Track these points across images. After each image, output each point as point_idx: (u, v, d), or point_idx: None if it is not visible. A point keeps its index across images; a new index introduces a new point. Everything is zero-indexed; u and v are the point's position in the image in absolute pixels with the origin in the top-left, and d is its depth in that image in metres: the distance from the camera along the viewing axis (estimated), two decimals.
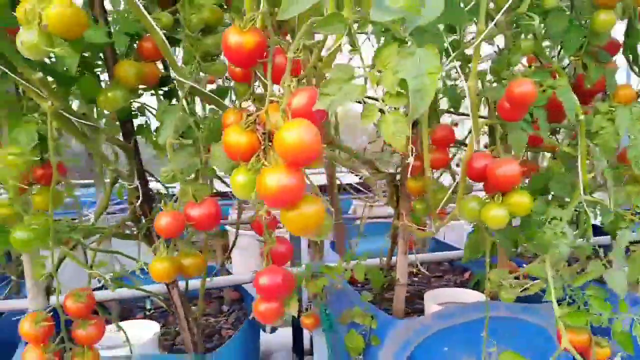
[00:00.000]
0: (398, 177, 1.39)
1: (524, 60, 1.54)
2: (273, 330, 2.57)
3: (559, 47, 1.09)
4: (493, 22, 0.86)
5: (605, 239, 1.83)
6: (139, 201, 1.11)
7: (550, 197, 1.11)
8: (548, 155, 1.37)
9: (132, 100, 1.02)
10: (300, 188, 0.61)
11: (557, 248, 0.90)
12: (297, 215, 0.62)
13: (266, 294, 0.88)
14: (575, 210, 1.04)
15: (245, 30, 0.67)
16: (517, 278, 1.14)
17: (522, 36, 1.11)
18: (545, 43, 1.18)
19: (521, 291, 1.22)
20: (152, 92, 0.98)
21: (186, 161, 0.79)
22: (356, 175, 1.32)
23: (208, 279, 1.54)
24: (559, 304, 0.99)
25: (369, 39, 1.19)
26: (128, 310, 2.02)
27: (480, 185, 1.00)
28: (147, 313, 1.97)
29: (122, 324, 1.45)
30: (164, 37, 0.79)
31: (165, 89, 1.00)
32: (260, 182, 0.61)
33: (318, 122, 0.67)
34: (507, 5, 0.84)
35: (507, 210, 0.93)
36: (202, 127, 0.87)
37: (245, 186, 0.67)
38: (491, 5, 0.98)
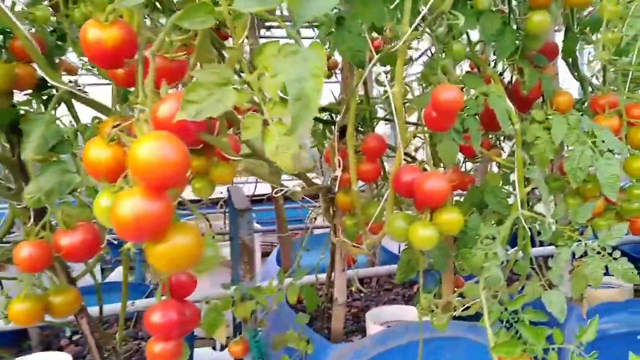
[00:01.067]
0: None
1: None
2: (223, 348, 2.42)
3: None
4: (415, 23, 0.77)
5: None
6: (30, 223, 0.97)
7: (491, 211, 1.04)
8: None
9: (16, 107, 0.88)
10: (164, 216, 0.49)
11: (488, 271, 0.81)
12: (164, 249, 0.50)
13: (159, 333, 0.76)
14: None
15: (106, 24, 0.55)
16: (461, 295, 1.06)
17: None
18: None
19: (462, 310, 1.15)
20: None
21: (54, 180, 0.66)
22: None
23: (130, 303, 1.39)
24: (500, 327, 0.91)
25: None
26: (52, 336, 1.85)
27: None
28: (70, 340, 1.80)
29: (30, 356, 1.30)
30: (27, 33, 0.66)
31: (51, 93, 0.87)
32: (113, 209, 0.49)
33: (192, 136, 0.56)
34: (429, 4, 0.75)
35: (435, 230, 0.83)
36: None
37: (109, 212, 0.55)
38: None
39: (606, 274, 1.86)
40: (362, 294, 1.97)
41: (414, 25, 0.77)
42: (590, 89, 1.11)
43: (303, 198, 2.71)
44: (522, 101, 1.03)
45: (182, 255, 0.51)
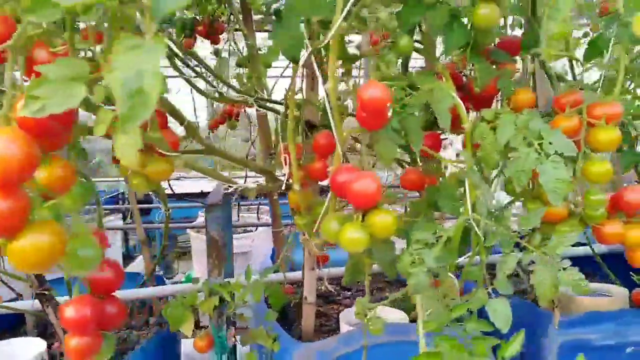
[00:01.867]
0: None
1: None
2: None
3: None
4: (344, 13, 0.74)
5: None
6: None
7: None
8: None
9: None
10: (14, 213, 0.48)
11: (416, 277, 0.77)
12: (18, 247, 0.50)
13: (71, 329, 0.76)
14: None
15: None
16: None
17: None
18: None
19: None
20: None
21: None
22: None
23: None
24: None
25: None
26: (47, 321, 1.91)
27: None
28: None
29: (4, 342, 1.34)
30: None
31: None
32: None
33: (60, 132, 0.55)
34: None
35: (364, 232, 0.80)
36: None
37: None
38: None
39: (599, 280, 1.78)
40: (349, 292, 1.94)
41: (341, 17, 0.74)
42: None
43: None
44: (480, 99, 0.98)
45: (37, 254, 0.50)
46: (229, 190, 1.08)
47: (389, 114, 0.83)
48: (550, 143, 0.81)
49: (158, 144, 0.88)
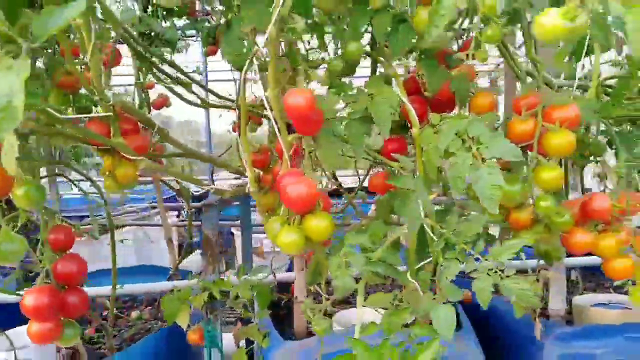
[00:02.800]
0: None
1: None
2: None
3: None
4: (274, 19, 0.76)
5: None
6: None
7: None
8: None
9: None
10: None
11: (341, 280, 0.79)
12: None
13: (31, 315, 0.85)
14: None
15: None
16: None
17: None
18: None
19: None
20: None
21: None
22: None
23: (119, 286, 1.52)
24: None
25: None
26: None
27: None
28: None
29: (18, 329, 1.47)
30: None
31: None
32: None
33: None
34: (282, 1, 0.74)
35: (299, 235, 0.82)
36: None
37: None
38: None
39: (606, 290, 1.66)
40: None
41: (271, 24, 0.76)
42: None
43: None
44: (438, 103, 0.97)
45: None
46: (202, 192, 1.13)
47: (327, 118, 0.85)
48: (486, 147, 0.79)
49: (121, 149, 0.95)
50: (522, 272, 1.03)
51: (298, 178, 0.83)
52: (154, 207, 3.90)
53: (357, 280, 0.94)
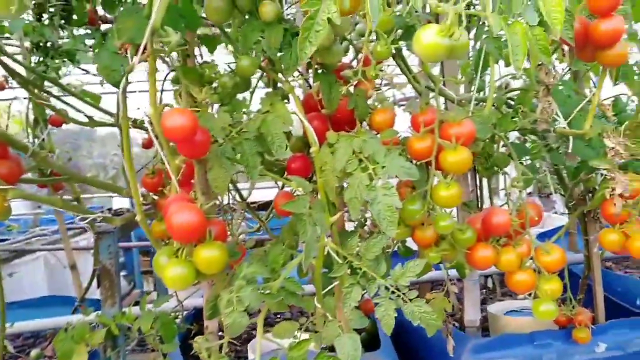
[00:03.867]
0: None
1: None
2: None
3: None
4: (146, 37, 0.69)
5: None
6: None
7: None
8: None
9: None
10: None
11: (230, 318, 0.72)
12: None
13: None
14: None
15: None
16: None
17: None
18: None
19: None
20: None
21: None
22: None
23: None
24: None
25: None
26: None
27: None
28: None
29: None
30: None
31: None
32: None
33: None
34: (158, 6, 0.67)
35: (188, 268, 0.75)
36: None
37: None
38: None
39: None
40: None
41: (145, 40, 0.69)
42: None
43: None
44: (340, 121, 0.93)
45: None
46: (87, 221, 1.03)
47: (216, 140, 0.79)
48: (382, 167, 0.76)
49: None
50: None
51: (182, 204, 0.76)
52: (71, 229, 3.62)
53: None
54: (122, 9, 0.79)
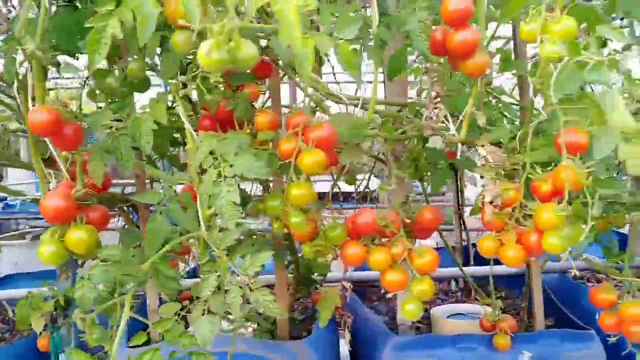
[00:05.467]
0: None
1: None
2: None
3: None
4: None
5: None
6: None
7: None
8: None
9: None
10: None
11: (80, 291, 0.82)
12: None
13: None
14: None
15: None
16: None
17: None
18: None
19: None
20: None
21: None
22: None
23: None
24: None
25: None
26: None
27: None
28: None
29: None
30: None
31: None
32: None
33: None
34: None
35: (59, 247, 0.86)
36: None
37: None
38: None
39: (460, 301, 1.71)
40: None
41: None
42: None
43: None
44: (224, 122, 1.00)
45: None
46: None
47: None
48: (231, 165, 0.83)
49: None
50: None
51: (55, 192, 0.86)
52: None
53: None
54: None
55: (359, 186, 1.67)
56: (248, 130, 0.98)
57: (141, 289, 0.98)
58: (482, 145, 0.94)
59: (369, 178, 1.62)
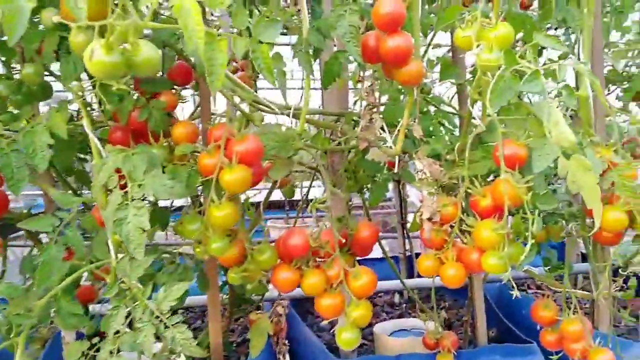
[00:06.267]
0: None
1: None
2: None
3: None
4: None
5: None
6: None
7: None
8: None
9: None
10: None
11: None
12: None
13: None
14: None
15: None
16: None
17: None
18: None
19: None
20: None
21: None
22: None
23: None
24: None
25: None
26: None
27: None
28: None
29: None
30: None
31: None
32: None
33: None
34: None
35: None
36: None
37: None
38: None
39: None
40: None
41: None
42: None
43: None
44: (137, 133, 0.89)
45: None
46: None
47: None
48: (139, 185, 0.73)
49: None
50: None
51: None
52: None
53: None
54: None
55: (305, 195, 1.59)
56: (165, 144, 0.88)
57: None
58: (419, 158, 0.88)
59: (309, 188, 1.54)
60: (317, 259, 0.93)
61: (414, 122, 0.89)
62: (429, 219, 0.88)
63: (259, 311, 1.04)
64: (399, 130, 0.90)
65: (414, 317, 1.75)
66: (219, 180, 0.79)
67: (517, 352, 1.31)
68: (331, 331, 1.67)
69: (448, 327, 1.72)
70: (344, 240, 0.90)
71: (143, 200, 0.72)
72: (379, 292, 2.13)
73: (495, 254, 0.78)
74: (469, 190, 0.88)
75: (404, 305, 2.01)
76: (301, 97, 1.22)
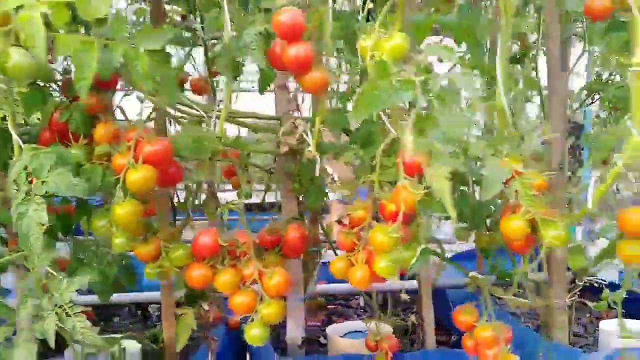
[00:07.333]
0: None
1: None
2: None
3: None
4: None
5: None
6: None
7: None
8: None
9: None
10: None
11: None
12: None
13: None
14: None
15: None
16: None
17: None
18: None
19: None
20: None
21: None
22: None
23: None
24: None
25: None
26: None
27: None
28: None
29: None
30: None
31: None
32: None
33: None
34: None
35: None
36: None
37: None
38: None
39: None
40: None
41: None
42: None
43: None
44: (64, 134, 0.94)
45: None
46: None
47: None
48: (43, 182, 0.77)
49: None
50: None
51: None
52: None
53: None
54: None
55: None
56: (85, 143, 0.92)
57: None
58: (330, 163, 0.91)
59: (265, 190, 1.57)
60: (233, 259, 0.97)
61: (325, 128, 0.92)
62: (338, 222, 0.90)
63: (184, 307, 1.07)
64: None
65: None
66: (125, 179, 0.84)
67: (454, 357, 1.32)
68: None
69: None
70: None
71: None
72: (355, 295, 2.16)
73: (385, 257, 0.80)
74: (378, 196, 0.90)
75: (368, 307, 2.02)
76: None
